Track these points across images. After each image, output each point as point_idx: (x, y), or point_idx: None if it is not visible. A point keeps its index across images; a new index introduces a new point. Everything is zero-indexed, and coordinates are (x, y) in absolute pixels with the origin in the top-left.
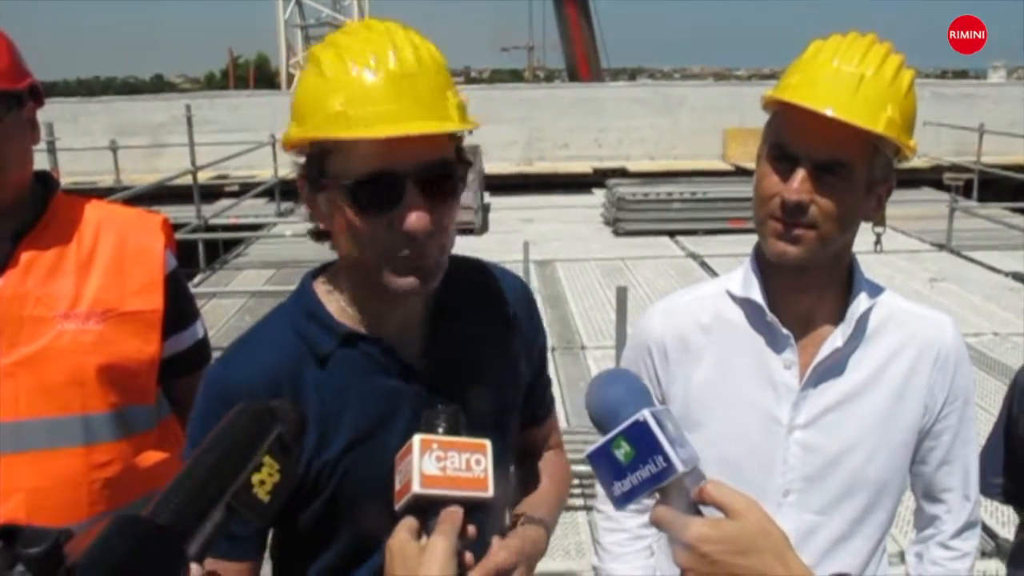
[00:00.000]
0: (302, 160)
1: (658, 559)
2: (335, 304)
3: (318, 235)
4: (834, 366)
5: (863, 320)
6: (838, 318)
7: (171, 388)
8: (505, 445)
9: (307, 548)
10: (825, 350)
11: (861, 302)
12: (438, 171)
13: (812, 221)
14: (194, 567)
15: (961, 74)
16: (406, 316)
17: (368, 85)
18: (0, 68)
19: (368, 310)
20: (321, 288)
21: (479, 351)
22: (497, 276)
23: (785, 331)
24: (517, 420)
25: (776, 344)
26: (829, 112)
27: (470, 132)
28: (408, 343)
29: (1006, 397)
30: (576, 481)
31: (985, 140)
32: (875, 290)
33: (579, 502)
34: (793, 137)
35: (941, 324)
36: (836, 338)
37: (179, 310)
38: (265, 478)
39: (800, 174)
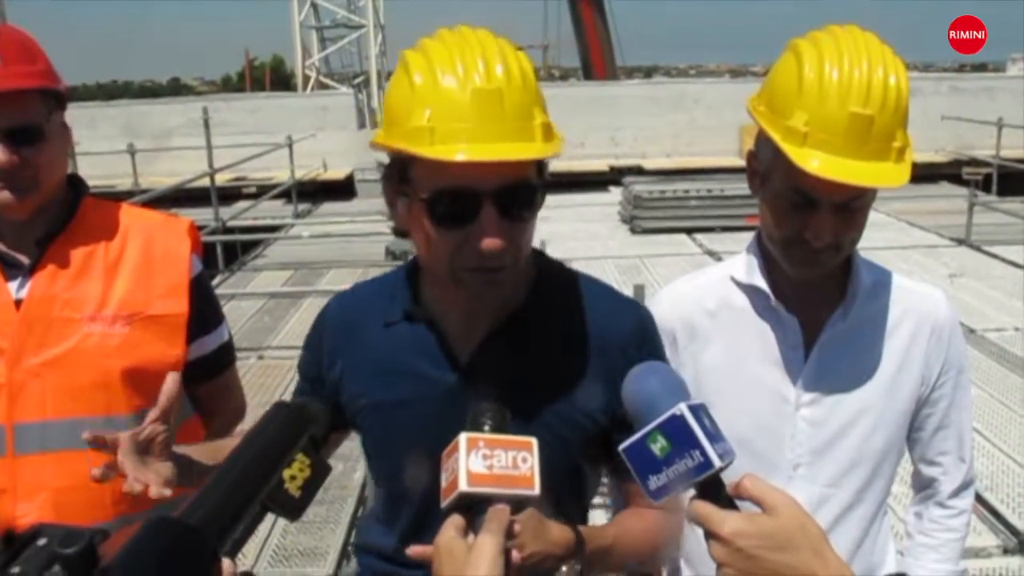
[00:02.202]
0: (386, 160)
1: (692, 554)
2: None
3: (398, 232)
4: (837, 344)
5: (863, 299)
6: (839, 298)
7: (195, 391)
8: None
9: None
10: (827, 330)
11: (860, 282)
12: (517, 193)
13: (836, 246)
14: (226, 563)
15: (980, 67)
16: (471, 314)
17: (455, 99)
18: (42, 68)
19: (436, 300)
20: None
21: (533, 371)
22: (605, 311)
23: (789, 314)
24: (570, 456)
25: (780, 327)
26: (849, 181)
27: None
28: (469, 339)
29: None
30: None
31: (1004, 133)
32: (873, 269)
33: (599, 499)
34: (813, 186)
35: (935, 298)
36: (838, 318)
37: (204, 314)
38: (296, 474)
39: (824, 217)
